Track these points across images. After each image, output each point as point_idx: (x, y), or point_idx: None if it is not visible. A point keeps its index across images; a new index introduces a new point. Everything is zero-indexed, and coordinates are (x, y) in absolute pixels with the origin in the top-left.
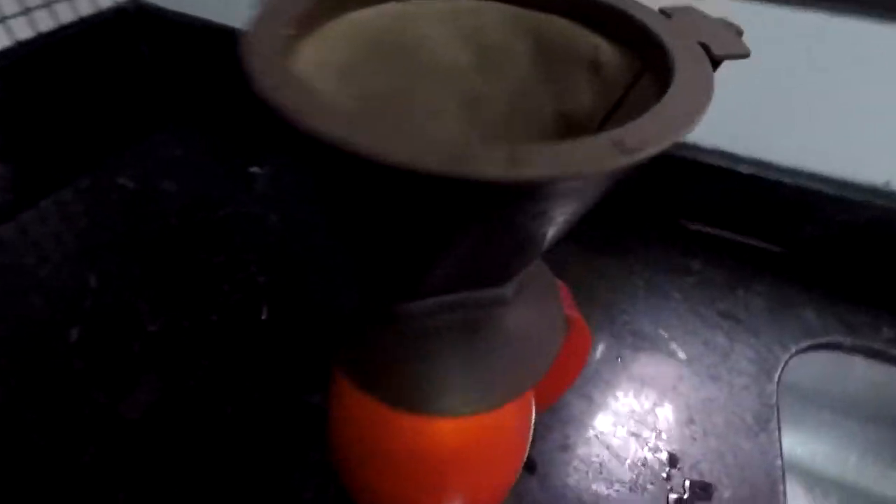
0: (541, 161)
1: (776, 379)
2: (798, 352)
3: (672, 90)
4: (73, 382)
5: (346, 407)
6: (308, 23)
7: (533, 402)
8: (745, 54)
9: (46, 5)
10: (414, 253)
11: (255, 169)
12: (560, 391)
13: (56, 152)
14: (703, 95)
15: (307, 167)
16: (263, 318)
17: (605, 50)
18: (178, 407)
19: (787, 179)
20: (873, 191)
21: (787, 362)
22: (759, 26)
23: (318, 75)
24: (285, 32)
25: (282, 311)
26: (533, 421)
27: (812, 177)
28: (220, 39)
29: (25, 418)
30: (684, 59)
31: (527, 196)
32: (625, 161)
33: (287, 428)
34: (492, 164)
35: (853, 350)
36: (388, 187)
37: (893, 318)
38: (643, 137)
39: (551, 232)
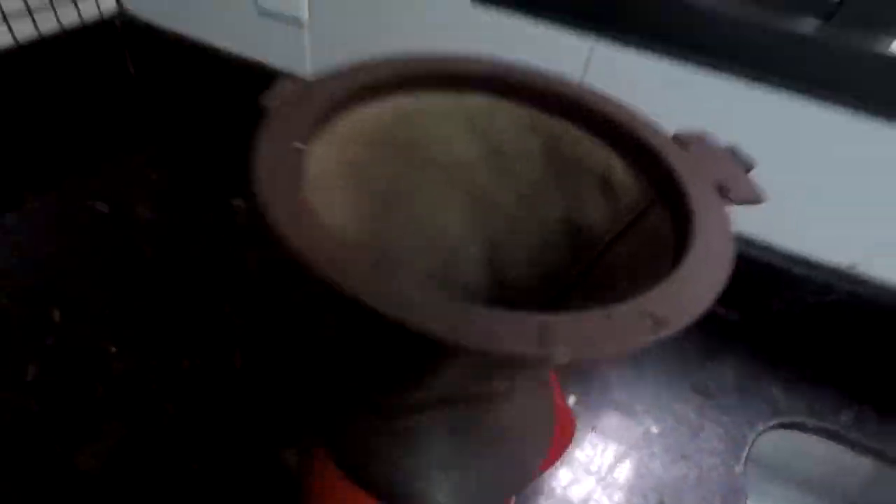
0: (573, 339)
1: (744, 459)
2: (764, 430)
3: (692, 254)
4: (26, 426)
5: (328, 490)
6: (318, 121)
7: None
8: (759, 202)
9: (25, 14)
10: (410, 368)
11: (238, 202)
12: (539, 473)
13: (26, 165)
14: (724, 265)
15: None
16: (238, 365)
17: (618, 170)
18: (141, 460)
19: (757, 254)
20: (839, 273)
21: (753, 441)
22: (741, 111)
23: (327, 178)
24: (295, 147)
25: (257, 358)
26: None
27: (781, 254)
28: (211, 60)
29: None
30: (702, 206)
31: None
32: (661, 335)
33: (256, 490)
34: (522, 342)
35: (815, 431)
36: (406, 340)
37: (852, 401)
38: (672, 309)
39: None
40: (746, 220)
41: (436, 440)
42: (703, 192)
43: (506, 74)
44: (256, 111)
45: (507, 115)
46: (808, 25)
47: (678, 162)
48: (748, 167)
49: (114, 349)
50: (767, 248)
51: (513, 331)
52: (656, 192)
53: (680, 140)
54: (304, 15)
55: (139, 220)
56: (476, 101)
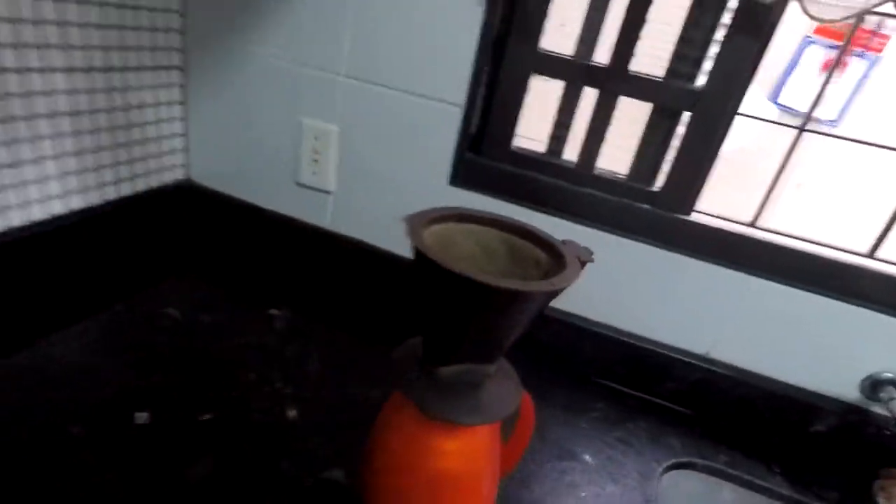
0: (529, 285)
1: (655, 483)
2: (667, 468)
3: (565, 273)
4: (144, 453)
5: (398, 422)
6: (424, 226)
7: (499, 438)
8: (592, 261)
9: (131, 179)
10: (453, 336)
11: (273, 311)
12: (518, 453)
13: (108, 282)
14: (576, 275)
15: (422, 284)
16: (292, 417)
17: (542, 256)
18: (231, 476)
19: (650, 346)
20: (700, 358)
21: (661, 473)
22: (610, 250)
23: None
24: (420, 231)
25: (306, 413)
26: (499, 455)
27: (665, 346)
28: (253, 214)
29: (105, 477)
30: (571, 263)
31: (519, 298)
32: (555, 288)
33: (314, 496)
34: (514, 284)
35: (704, 470)
36: (459, 291)
37: (728, 448)
38: (560, 283)
39: (518, 329)
40: (640, 324)
41: (461, 390)
42: (572, 259)
43: (489, 216)
44: (285, 248)
45: (490, 233)
46: (643, 204)
47: (563, 249)
48: (590, 251)
49: (199, 406)
50: (656, 343)
51: (509, 282)
52: (554, 262)
53: (563, 242)
54: (333, 188)
55: (202, 322)
56: (476, 227)
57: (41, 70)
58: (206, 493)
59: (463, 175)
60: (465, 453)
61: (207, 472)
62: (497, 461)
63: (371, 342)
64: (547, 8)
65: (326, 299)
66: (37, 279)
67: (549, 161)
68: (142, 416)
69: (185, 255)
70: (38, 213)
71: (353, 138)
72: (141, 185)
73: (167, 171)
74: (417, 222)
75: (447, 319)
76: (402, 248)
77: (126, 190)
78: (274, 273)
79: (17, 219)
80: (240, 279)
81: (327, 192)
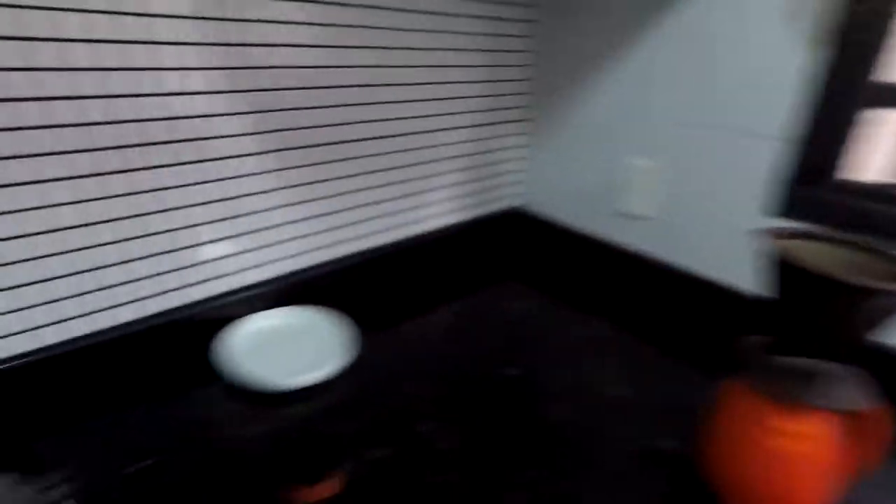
0: (877, 284)
1: None
2: None
3: None
4: (513, 395)
5: (738, 404)
6: (782, 238)
7: (844, 438)
8: None
9: (485, 203)
10: (800, 330)
11: (588, 317)
12: (871, 463)
13: (455, 286)
14: None
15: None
16: (609, 396)
17: (882, 268)
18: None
19: None
20: None
21: None
22: None
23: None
24: (780, 243)
25: (619, 396)
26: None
27: None
28: (570, 235)
29: (488, 406)
30: None
31: (867, 295)
32: None
33: (645, 461)
34: (865, 282)
35: None
36: (812, 287)
37: None
38: None
39: (863, 331)
40: None
41: (801, 379)
42: None
43: (826, 234)
44: (601, 266)
45: (823, 248)
46: None
47: None
48: None
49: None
50: None
51: (860, 279)
52: None
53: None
54: (654, 214)
55: (531, 316)
56: (812, 244)
57: (453, 128)
58: (563, 431)
59: (783, 206)
60: (799, 435)
61: (565, 413)
62: (838, 458)
63: (673, 355)
64: (882, 41)
65: (634, 312)
66: (419, 274)
67: (885, 192)
68: (509, 370)
69: (519, 264)
70: (435, 224)
71: (671, 173)
72: (491, 208)
73: (508, 199)
74: (771, 235)
75: (797, 314)
76: (712, 271)
77: (481, 211)
78: (590, 286)
79: (419, 230)
80: (562, 288)
81: (645, 219)
